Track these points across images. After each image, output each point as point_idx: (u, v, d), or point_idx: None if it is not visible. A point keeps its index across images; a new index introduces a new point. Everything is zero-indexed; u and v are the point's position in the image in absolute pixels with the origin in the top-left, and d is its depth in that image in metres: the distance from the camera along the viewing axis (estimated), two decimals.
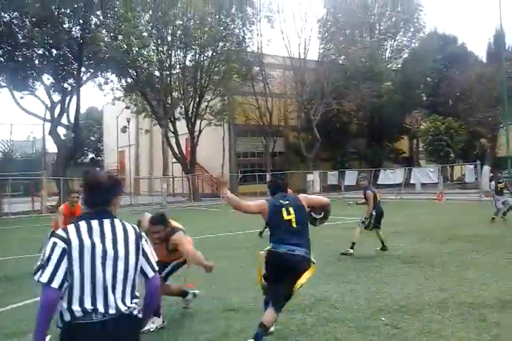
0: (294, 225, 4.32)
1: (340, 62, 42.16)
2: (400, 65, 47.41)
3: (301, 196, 4.67)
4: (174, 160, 37.83)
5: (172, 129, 35.03)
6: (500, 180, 14.28)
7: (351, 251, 9.12)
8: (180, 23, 32.45)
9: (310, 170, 37.39)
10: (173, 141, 34.93)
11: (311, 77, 39.96)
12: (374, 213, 9.30)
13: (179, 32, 32.52)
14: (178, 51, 34.19)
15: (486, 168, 27.58)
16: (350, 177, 33.66)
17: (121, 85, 35.20)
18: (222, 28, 33.74)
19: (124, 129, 44.07)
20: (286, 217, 4.32)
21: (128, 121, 43.11)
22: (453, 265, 7.73)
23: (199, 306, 5.80)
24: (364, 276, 7.15)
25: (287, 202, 4.45)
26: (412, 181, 30.62)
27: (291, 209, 4.36)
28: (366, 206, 9.43)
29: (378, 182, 30.93)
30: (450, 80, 40.08)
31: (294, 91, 39.74)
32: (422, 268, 7.56)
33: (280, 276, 4.29)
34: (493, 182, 14.29)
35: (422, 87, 45.96)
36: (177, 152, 35.27)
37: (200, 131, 36.06)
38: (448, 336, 4.43)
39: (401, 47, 48.24)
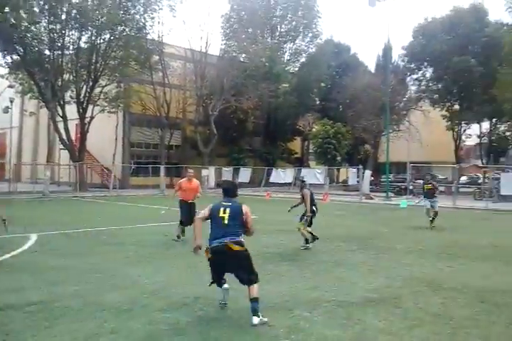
0: (226, 222, 5.19)
1: (241, 59, 42.70)
2: (297, 68, 49.25)
3: (245, 207, 5.43)
4: (62, 146, 35.57)
5: (61, 113, 32.85)
6: (429, 182, 14.68)
7: (310, 245, 9.80)
8: (76, 1, 30.52)
9: (206, 165, 37.37)
10: (61, 125, 32.76)
11: (212, 71, 39.94)
12: (315, 209, 10.23)
13: (74, 11, 30.53)
14: (73, 31, 32.13)
15: (368, 172, 29.68)
16: (245, 174, 34.29)
17: (5, 62, 32.23)
18: (122, 11, 32.34)
19: (6, 110, 40.37)
20: (221, 214, 5.24)
21: (11, 101, 39.57)
22: (328, 264, 8.17)
23: (69, 304, 5.48)
24: None
25: (229, 203, 5.37)
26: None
27: (227, 210, 5.26)
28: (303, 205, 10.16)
29: (270, 181, 31.90)
30: (341, 87, 42.46)
31: (194, 84, 39.42)
32: (299, 266, 7.90)
33: (223, 265, 5.31)
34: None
35: (316, 91, 48.18)
36: (65, 138, 33.16)
37: (91, 118, 34.24)
38: (315, 333, 4.66)
39: (299, 51, 50.11)
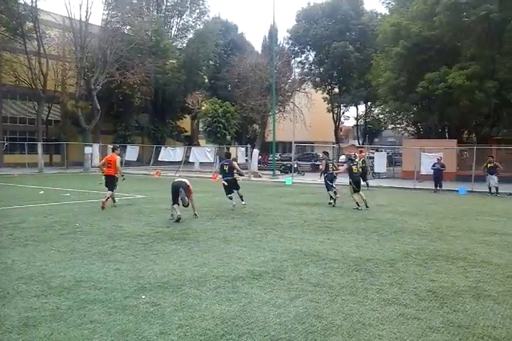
0: (226, 170, 12.81)
1: (126, 32, 40.78)
2: (185, 45, 48.44)
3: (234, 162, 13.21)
4: None
5: None
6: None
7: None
8: None
9: (89, 142, 35.42)
10: None
11: (94, 42, 37.61)
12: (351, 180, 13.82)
13: None
14: None
15: (256, 151, 30.46)
16: (132, 152, 33.15)
17: None
18: None
19: None
20: (224, 168, 12.90)
21: None
22: (216, 241, 8.28)
23: None
24: (131, 254, 7.11)
25: (227, 163, 12.98)
26: (190, 160, 31.76)
27: (226, 165, 12.87)
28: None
29: (159, 159, 31.24)
30: (230, 66, 42.63)
31: (74, 55, 36.83)
32: (188, 244, 7.90)
33: (229, 186, 12.78)
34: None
35: (205, 69, 47.91)
36: None
37: None
38: (202, 309, 4.71)
39: (186, 26, 49.34)
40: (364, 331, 4.18)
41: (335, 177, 14.99)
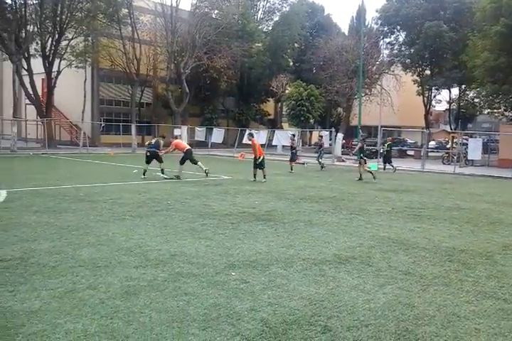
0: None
1: (214, 16, 41.43)
2: (270, 28, 48.20)
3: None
4: (28, 101, 34.29)
5: (26, 67, 31.44)
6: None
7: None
8: None
9: (178, 124, 36.82)
10: (27, 80, 31.45)
11: (183, 27, 38.68)
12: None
13: None
14: None
15: (340, 135, 29.92)
16: (218, 134, 34.01)
17: None
18: None
19: None
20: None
21: None
22: (301, 223, 8.31)
23: (45, 261, 5.44)
24: (220, 233, 7.35)
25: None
26: (274, 143, 31.97)
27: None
28: None
29: (243, 142, 31.72)
30: (315, 48, 41.89)
31: (165, 40, 38.16)
32: (274, 226, 8.01)
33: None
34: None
35: (290, 51, 47.45)
36: (31, 93, 31.93)
37: (58, 72, 32.94)
38: (290, 290, 4.78)
39: (272, 9, 49.00)
40: (459, 323, 4.02)
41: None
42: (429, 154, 30.21)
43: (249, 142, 17.20)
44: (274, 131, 32.06)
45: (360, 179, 16.87)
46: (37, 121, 34.85)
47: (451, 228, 8.32)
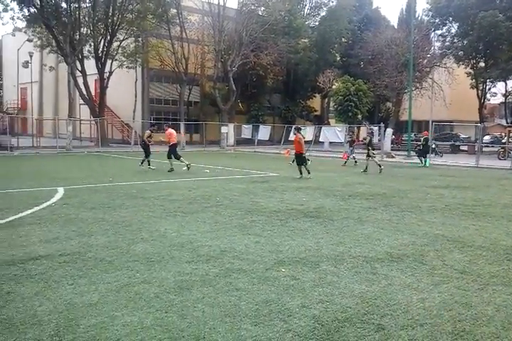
0: None
1: (260, 13, 41.46)
2: (317, 23, 47.75)
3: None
4: (82, 101, 35.65)
5: (80, 68, 32.70)
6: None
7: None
8: None
9: (225, 122, 37.20)
10: (80, 81, 32.71)
11: (230, 25, 38.97)
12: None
13: None
14: None
15: (389, 131, 29.27)
16: (264, 131, 34.09)
17: (23, 15, 31.95)
18: None
19: (26, 64, 40.34)
20: None
21: (30, 56, 39.42)
22: (351, 220, 8.21)
23: (102, 255, 5.65)
24: (268, 229, 7.37)
25: None
26: (321, 139, 31.68)
27: None
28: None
29: (289, 139, 31.63)
30: (363, 43, 41.10)
31: (212, 39, 38.59)
32: (323, 223, 7.95)
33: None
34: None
35: (337, 46, 46.83)
36: (85, 93, 33.17)
37: (110, 73, 34.04)
38: (341, 287, 4.73)
39: (319, 4, 48.44)
40: None
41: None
42: (484, 149, 29.04)
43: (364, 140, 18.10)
44: (320, 128, 31.77)
45: (365, 171, 17.88)
46: (90, 120, 36.16)
47: (509, 226, 7.98)
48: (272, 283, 4.81)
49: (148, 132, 17.51)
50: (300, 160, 15.62)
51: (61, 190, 11.10)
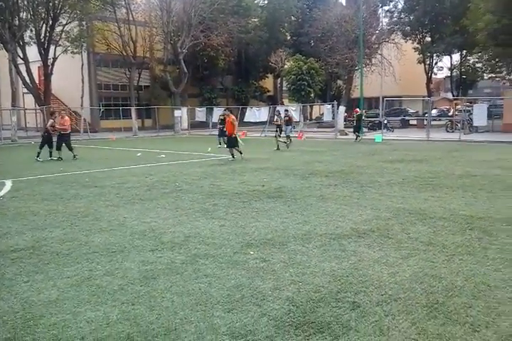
0: None
1: None
2: (266, 1, 47.16)
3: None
4: (25, 90, 33.89)
5: (21, 55, 30.94)
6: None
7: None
8: None
9: (177, 105, 36.41)
10: (23, 68, 30.98)
11: (178, 6, 37.78)
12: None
13: None
14: None
15: (342, 108, 29.53)
16: (218, 114, 33.55)
17: None
18: None
19: None
20: None
21: None
22: (314, 199, 8.17)
23: (58, 249, 5.33)
24: (232, 212, 7.22)
25: None
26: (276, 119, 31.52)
27: None
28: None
29: (244, 120, 31.42)
30: (313, 21, 40.96)
31: (160, 20, 37.33)
32: (286, 202, 7.87)
33: None
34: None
35: (287, 25, 46.55)
36: (28, 81, 31.50)
37: (54, 59, 32.43)
38: (312, 266, 4.66)
39: None
40: (491, 293, 3.89)
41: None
42: (432, 123, 29.86)
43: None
44: (275, 108, 31.65)
45: (278, 149, 18.29)
46: (35, 109, 34.51)
47: (466, 195, 8.17)
48: (242, 267, 4.68)
49: (51, 121, 16.21)
50: (232, 142, 15.13)
51: (8, 183, 10.50)
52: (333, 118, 27.91)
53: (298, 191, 8.96)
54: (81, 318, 3.54)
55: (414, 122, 35.45)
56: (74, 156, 15.77)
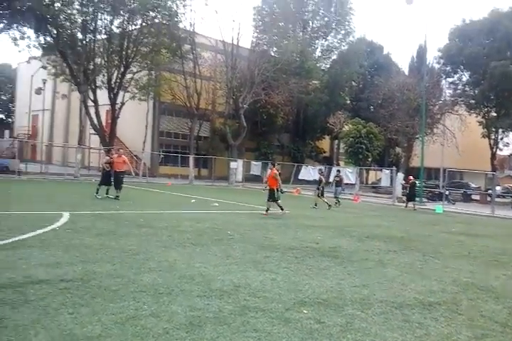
0: None
1: (272, 53, 42.28)
2: (328, 66, 48.54)
3: None
4: (92, 131, 35.75)
5: (92, 98, 32.98)
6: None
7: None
8: None
9: (234, 157, 37.04)
10: (92, 110, 32.91)
11: (243, 64, 39.58)
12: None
13: None
14: (105, 15, 32.17)
15: (400, 175, 28.89)
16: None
17: (39, 43, 32.42)
18: None
19: (39, 91, 40.83)
20: None
21: (44, 83, 39.92)
22: (372, 263, 7.68)
23: (106, 284, 5.16)
24: (284, 266, 6.86)
25: None
26: (330, 180, 31.27)
27: None
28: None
29: (299, 177, 31.35)
30: (374, 87, 41.51)
31: (225, 76, 39.09)
32: (342, 263, 7.42)
33: None
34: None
35: (347, 90, 47.37)
36: (96, 123, 33.29)
37: (122, 104, 34.29)
38: (372, 334, 4.21)
39: (331, 48, 49.40)
40: None
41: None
42: (496, 200, 28.50)
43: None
44: (331, 168, 31.49)
45: (315, 207, 18.26)
46: (99, 149, 36.14)
47: None
48: (294, 326, 4.29)
49: (107, 158, 16.65)
50: (273, 196, 14.55)
51: (66, 215, 10.66)
52: (391, 184, 27.26)
53: (354, 253, 8.49)
54: None
55: (477, 197, 34.00)
56: (116, 196, 15.52)
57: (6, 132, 51.00)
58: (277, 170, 15.30)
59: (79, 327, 3.82)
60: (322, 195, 18.93)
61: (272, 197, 14.55)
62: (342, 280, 6.24)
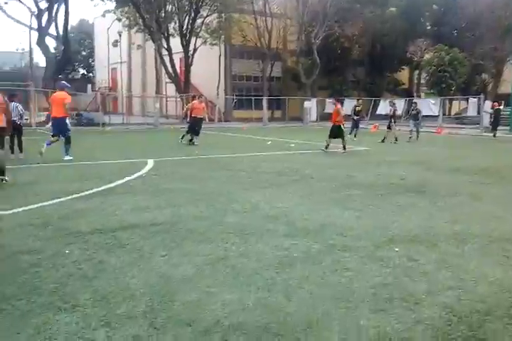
0: None
1: None
2: None
3: None
4: (168, 80, 36.27)
5: (166, 46, 33.14)
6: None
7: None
8: None
9: (308, 97, 36.18)
10: (166, 59, 33.19)
11: None
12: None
13: None
14: None
15: (488, 103, 26.79)
16: (349, 106, 32.61)
17: None
18: None
19: (116, 43, 41.62)
20: None
21: (119, 35, 40.57)
22: (463, 196, 7.26)
23: (194, 226, 5.30)
24: (369, 204, 6.66)
25: None
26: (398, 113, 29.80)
27: None
28: None
29: (377, 113, 30.12)
30: (458, 8, 37.67)
31: (295, 11, 37.33)
32: (430, 199, 7.08)
33: None
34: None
35: (428, 15, 43.53)
36: (171, 71, 33.66)
37: (195, 50, 34.19)
38: (470, 271, 3.98)
39: None
40: None
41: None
42: None
43: (388, 112, 16.40)
44: (411, 100, 29.81)
45: (383, 141, 17.80)
46: (176, 97, 36.79)
47: None
48: (386, 264, 4.15)
49: (189, 104, 16.62)
50: (337, 132, 13.79)
51: (151, 162, 11.07)
52: (478, 114, 25.40)
53: (442, 187, 8.07)
54: (216, 300, 3.34)
55: None
56: (190, 141, 15.85)
57: (89, 86, 53.22)
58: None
59: (172, 269, 3.94)
60: (389, 127, 18.22)
61: (335, 134, 13.85)
62: (432, 216, 5.96)
